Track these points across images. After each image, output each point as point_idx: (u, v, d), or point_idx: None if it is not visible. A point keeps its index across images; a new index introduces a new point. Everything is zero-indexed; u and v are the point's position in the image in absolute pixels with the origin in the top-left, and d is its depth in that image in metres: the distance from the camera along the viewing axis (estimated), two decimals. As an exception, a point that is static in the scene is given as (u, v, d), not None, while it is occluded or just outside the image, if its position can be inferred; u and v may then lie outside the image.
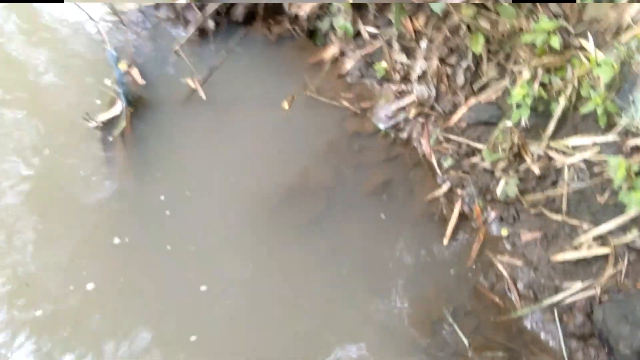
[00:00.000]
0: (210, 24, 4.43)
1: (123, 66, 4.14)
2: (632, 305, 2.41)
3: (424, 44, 3.54)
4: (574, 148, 2.94)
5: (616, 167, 2.55)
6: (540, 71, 3.06)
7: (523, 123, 3.07)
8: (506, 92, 3.37)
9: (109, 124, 3.75)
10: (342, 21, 3.72)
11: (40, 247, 3.01)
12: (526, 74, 3.10)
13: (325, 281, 2.96)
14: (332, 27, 4.23)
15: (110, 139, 3.63)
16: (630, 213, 2.62)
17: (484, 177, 3.21)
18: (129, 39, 4.45)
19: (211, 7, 4.06)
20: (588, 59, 2.95)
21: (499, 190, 3.04)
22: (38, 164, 3.39)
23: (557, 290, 2.77)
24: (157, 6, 4.65)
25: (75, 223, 3.15)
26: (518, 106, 3.02)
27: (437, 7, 3.10)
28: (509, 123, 3.07)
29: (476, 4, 3.38)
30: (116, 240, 3.08)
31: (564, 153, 2.98)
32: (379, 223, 3.22)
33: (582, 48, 3.04)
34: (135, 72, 4.12)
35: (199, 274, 3.00)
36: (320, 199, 3.38)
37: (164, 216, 3.22)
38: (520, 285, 2.86)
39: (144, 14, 4.71)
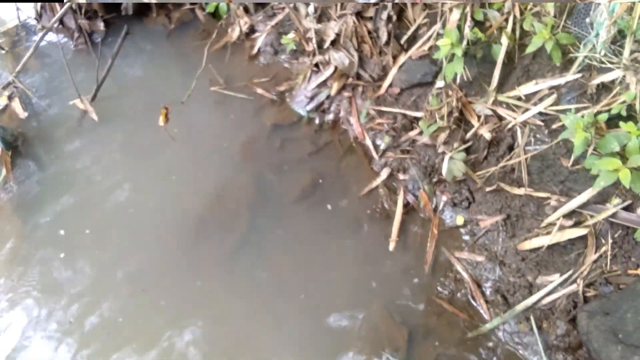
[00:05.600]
0: (100, 26, 3.79)
1: (3, 99, 3.54)
2: (621, 312, 1.79)
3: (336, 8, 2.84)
4: (527, 99, 2.27)
5: (573, 130, 1.87)
6: (469, 7, 2.35)
7: (460, 79, 2.40)
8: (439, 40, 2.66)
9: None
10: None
11: None
12: (455, 15, 2.40)
13: (256, 318, 2.41)
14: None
15: (-11, 193, 3.05)
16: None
17: (426, 155, 2.58)
18: (10, 63, 3.83)
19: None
20: (527, -21, 2.23)
21: (444, 170, 2.40)
22: None
23: (530, 288, 2.16)
24: (40, 17, 4.00)
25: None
26: (449, 59, 2.34)
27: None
28: (441, 83, 2.40)
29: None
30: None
31: (516, 108, 2.31)
32: (311, 236, 2.63)
33: (518, -34, 2.33)
34: (16, 104, 3.52)
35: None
36: (242, 214, 2.79)
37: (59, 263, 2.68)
38: (486, 288, 2.25)
39: (27, 29, 4.08)
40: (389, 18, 2.83)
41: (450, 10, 2.56)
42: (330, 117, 2.96)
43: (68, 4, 3.15)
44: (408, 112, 2.70)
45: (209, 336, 2.44)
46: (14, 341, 2.50)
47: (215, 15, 3.74)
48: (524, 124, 2.24)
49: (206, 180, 2.95)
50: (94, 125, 3.30)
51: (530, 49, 2.19)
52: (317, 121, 3.00)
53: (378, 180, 2.66)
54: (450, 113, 2.40)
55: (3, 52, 3.91)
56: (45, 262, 2.75)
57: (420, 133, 2.56)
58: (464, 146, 2.39)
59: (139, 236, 2.81)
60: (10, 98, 3.56)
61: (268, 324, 2.37)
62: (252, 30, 3.52)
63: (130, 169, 3.11)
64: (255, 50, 3.42)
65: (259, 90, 3.23)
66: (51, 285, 2.65)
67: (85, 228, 2.86)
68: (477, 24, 2.45)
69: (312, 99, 3.01)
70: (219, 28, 3.66)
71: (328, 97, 2.97)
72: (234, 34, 3.54)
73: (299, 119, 3.06)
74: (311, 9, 2.81)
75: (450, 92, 2.39)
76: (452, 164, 2.34)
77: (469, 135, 2.43)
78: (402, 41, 2.85)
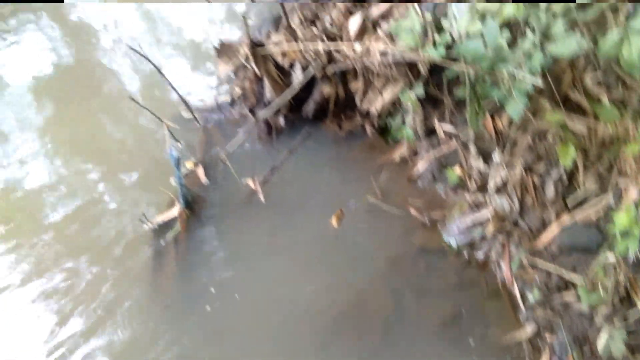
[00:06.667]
0: (281, 121, 4.31)
1: (190, 165, 4.11)
2: None
3: (504, 153, 3.03)
4: None
5: None
6: (652, 191, 2.40)
7: (631, 256, 2.39)
8: (609, 212, 2.71)
9: (165, 226, 3.65)
10: (405, 127, 3.36)
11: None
12: (633, 193, 2.45)
13: None
14: (404, 124, 3.89)
15: (163, 243, 3.50)
16: None
17: (580, 322, 2.53)
18: (201, 136, 4.46)
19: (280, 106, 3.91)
20: None
21: (600, 345, 2.34)
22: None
23: None
24: (232, 103, 4.66)
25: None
26: (624, 235, 2.37)
27: (515, 113, 2.62)
28: (611, 257, 2.41)
29: (567, 105, 2.86)
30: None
31: (692, 302, 2.24)
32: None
33: None
34: (200, 171, 4.06)
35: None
36: (376, 329, 2.90)
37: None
38: None
39: (220, 110, 4.74)
40: (560, 179, 2.94)
41: (627, 187, 2.62)
42: (480, 255, 3.04)
43: (279, 101, 3.68)
44: (564, 274, 2.71)
45: None
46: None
47: (382, 133, 4.11)
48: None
49: (346, 285, 3.13)
50: (260, 206, 3.67)
51: None
52: (465, 255, 3.09)
53: (522, 334, 2.64)
54: (615, 288, 2.37)
55: (198, 125, 4.57)
56: (191, 312, 3.04)
57: (577, 298, 2.54)
58: (626, 327, 2.32)
59: (272, 320, 3.02)
60: (196, 165, 4.13)
61: None
62: (415, 153, 3.80)
63: (282, 255, 3.40)
64: (415, 173, 3.67)
65: (413, 211, 3.43)
66: (192, 335, 2.92)
67: (234, 292, 3.15)
68: (657, 206, 2.47)
69: (464, 233, 3.13)
70: (384, 146, 4.01)
71: (481, 236, 3.07)
72: (398, 154, 3.84)
73: (448, 248, 3.17)
74: (497, 157, 3.01)
75: (618, 267, 2.38)
76: (611, 342, 2.28)
77: (631, 315, 2.36)
78: (568, 201, 2.92)
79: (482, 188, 3.18)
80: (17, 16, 5.90)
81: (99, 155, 4.22)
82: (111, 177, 4.03)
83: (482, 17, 2.91)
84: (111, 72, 5.24)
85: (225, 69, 4.05)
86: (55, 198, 3.90)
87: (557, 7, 2.55)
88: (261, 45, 3.84)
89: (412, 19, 3.10)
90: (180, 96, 4.27)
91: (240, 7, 5.50)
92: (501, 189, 3.06)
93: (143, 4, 5.90)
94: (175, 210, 3.69)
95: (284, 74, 4.19)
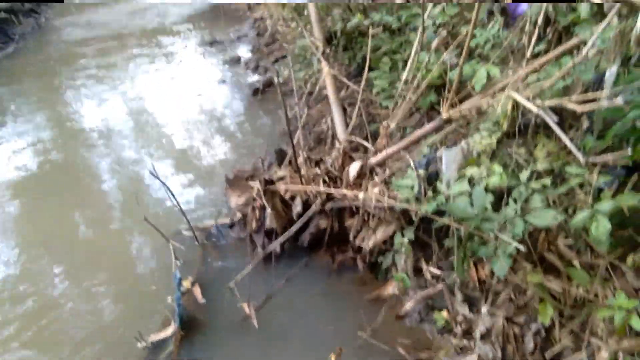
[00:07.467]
0: (277, 248, 4.56)
1: (187, 283, 4.25)
2: None
3: (487, 302, 3.33)
4: None
5: None
6: (621, 353, 2.69)
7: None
8: (584, 368, 2.96)
9: (158, 345, 3.71)
10: (396, 268, 3.68)
11: None
12: (604, 355, 2.73)
13: None
14: (394, 264, 4.19)
15: (155, 364, 3.55)
16: None
17: None
18: (200, 255, 4.66)
19: (282, 237, 4.20)
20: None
21: None
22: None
23: None
24: (231, 226, 4.94)
25: None
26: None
27: (501, 272, 2.96)
28: (588, 414, 2.62)
29: (544, 264, 3.23)
30: None
31: None
32: None
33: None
34: (197, 291, 4.20)
35: None
36: None
37: None
38: None
39: (219, 231, 4.99)
40: (538, 332, 3.22)
41: (599, 348, 2.91)
42: (465, 401, 3.19)
43: (285, 235, 3.98)
44: None
45: None
46: None
47: (373, 269, 4.40)
48: None
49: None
50: (252, 331, 3.79)
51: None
52: (451, 400, 3.23)
53: None
54: None
55: (197, 244, 4.80)
56: None
57: None
58: None
59: None
60: (193, 284, 4.29)
61: None
62: (404, 292, 4.06)
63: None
64: (402, 312, 3.90)
65: (401, 350, 3.60)
66: None
67: None
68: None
69: (450, 377, 3.30)
70: (374, 282, 4.28)
71: (466, 381, 3.25)
72: (387, 291, 4.10)
73: (434, 391, 3.32)
74: (483, 308, 3.30)
75: None
76: None
77: None
78: (546, 354, 3.17)
79: (467, 333, 3.42)
80: (13, 115, 6.33)
81: (87, 268, 4.39)
82: (101, 294, 4.16)
83: (470, 181, 3.38)
84: (100, 181, 5.59)
85: (236, 200, 4.40)
86: (38, 313, 3.99)
87: (536, 184, 3.03)
88: (272, 182, 4.23)
89: (411, 177, 3.55)
90: (185, 217, 4.55)
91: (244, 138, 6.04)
92: (485, 336, 3.30)
93: (141, 116, 6.41)
94: (170, 330, 3.78)
95: (286, 205, 4.56)
